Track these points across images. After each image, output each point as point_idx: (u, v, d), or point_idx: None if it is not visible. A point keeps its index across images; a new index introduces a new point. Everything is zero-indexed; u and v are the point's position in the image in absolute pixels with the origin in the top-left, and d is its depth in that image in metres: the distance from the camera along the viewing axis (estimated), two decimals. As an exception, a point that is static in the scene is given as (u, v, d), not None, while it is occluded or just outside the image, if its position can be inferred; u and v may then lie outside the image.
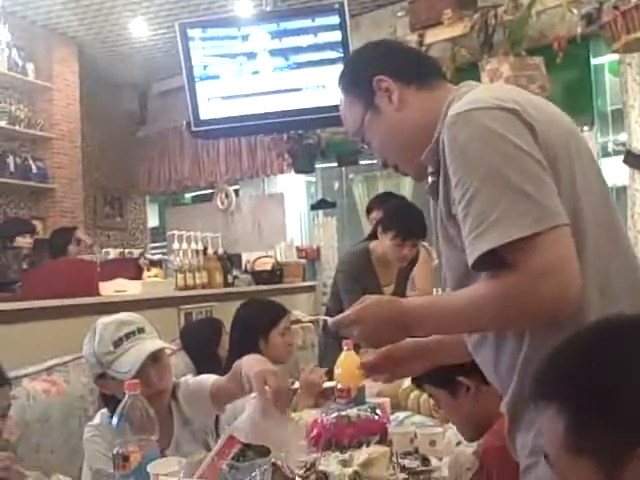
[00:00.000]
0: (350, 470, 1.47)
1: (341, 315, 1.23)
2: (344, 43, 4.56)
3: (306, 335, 4.30)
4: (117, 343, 1.71)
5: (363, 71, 1.30)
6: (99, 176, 6.98)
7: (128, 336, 1.72)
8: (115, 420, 1.37)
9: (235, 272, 4.80)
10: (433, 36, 4.46)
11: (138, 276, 4.11)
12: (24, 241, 4.41)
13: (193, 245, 4.24)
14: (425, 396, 2.17)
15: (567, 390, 0.82)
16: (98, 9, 5.57)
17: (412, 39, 4.46)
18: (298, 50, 4.71)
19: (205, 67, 4.83)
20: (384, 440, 1.71)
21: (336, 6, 4.57)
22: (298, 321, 4.14)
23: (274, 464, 1.30)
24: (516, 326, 1.09)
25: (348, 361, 1.58)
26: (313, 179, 6.68)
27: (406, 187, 5.83)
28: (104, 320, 1.77)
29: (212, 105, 4.85)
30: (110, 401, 1.73)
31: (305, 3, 5.35)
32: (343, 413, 1.81)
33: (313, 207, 6.28)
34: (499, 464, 1.29)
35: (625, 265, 1.13)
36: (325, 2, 4.77)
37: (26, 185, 5.83)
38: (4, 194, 5.86)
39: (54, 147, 6.03)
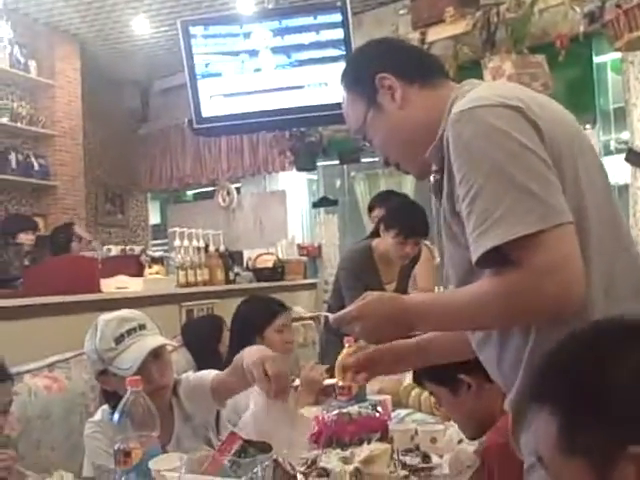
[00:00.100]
0: (351, 467, 1.47)
1: (343, 311, 1.23)
2: (346, 41, 4.56)
3: (307, 332, 4.30)
4: (118, 340, 1.71)
5: (366, 69, 1.29)
6: (101, 173, 6.99)
7: (129, 333, 1.72)
8: (117, 416, 1.37)
9: (236, 269, 4.80)
10: (435, 34, 4.46)
11: (139, 273, 4.11)
12: (26, 238, 4.41)
13: (194, 242, 4.24)
14: (426, 394, 2.17)
15: (559, 391, 0.83)
16: (100, 6, 5.57)
17: (414, 37, 4.46)
18: (300, 48, 4.71)
19: (207, 65, 4.83)
20: (385, 437, 1.70)
21: (338, 4, 4.57)
22: (299, 318, 4.14)
23: (275, 460, 1.30)
24: (519, 323, 1.09)
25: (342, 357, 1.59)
26: (315, 177, 6.67)
27: (408, 185, 5.83)
28: (105, 317, 1.77)
29: (214, 102, 4.85)
30: (111, 397, 1.73)
31: (307, 0, 5.34)
32: (344, 410, 1.81)
33: (315, 205, 6.27)
34: (501, 461, 1.29)
35: (630, 264, 1.12)
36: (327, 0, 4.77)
37: (28, 182, 5.84)
38: (6, 191, 5.87)
39: (56, 144, 6.03)
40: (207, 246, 4.41)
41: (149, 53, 6.55)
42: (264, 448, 1.37)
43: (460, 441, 1.68)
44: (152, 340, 1.74)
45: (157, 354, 1.74)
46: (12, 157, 5.68)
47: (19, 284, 3.29)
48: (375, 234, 3.24)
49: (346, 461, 1.51)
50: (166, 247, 6.54)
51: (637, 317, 0.89)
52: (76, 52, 6.27)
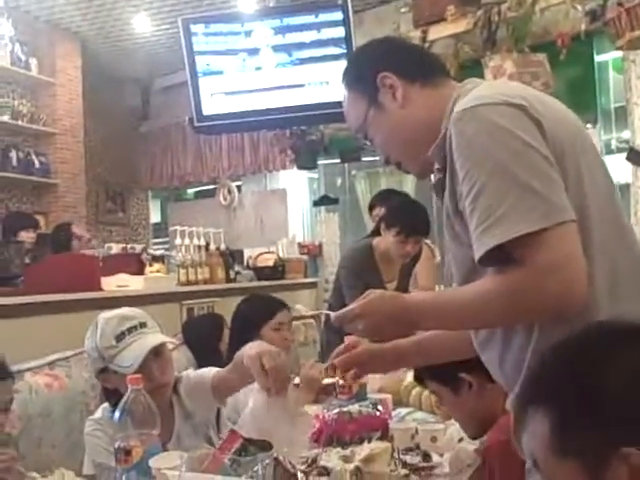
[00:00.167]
0: (351, 466, 1.47)
1: (345, 309, 1.23)
2: (347, 39, 4.55)
3: (307, 331, 4.30)
4: (119, 337, 1.71)
5: (367, 68, 1.29)
6: (101, 171, 6.99)
7: (130, 330, 1.72)
8: (117, 414, 1.37)
9: (237, 268, 4.80)
10: (436, 32, 4.45)
11: (140, 271, 4.11)
12: (27, 235, 4.41)
13: (195, 241, 4.24)
14: (427, 392, 2.17)
15: (552, 393, 0.83)
16: (101, 4, 5.57)
17: (415, 35, 4.45)
18: (301, 46, 4.70)
19: (208, 63, 4.83)
20: (385, 436, 1.70)
21: (339, 2, 4.56)
22: (300, 317, 4.14)
23: (276, 459, 1.30)
24: (522, 322, 1.09)
25: None
26: (316, 175, 6.67)
27: (408, 184, 5.83)
28: (106, 315, 1.77)
29: (215, 101, 4.84)
30: (112, 395, 1.73)
31: (308, -1, 5.34)
32: (345, 409, 1.81)
33: (315, 203, 6.27)
34: (502, 459, 1.28)
35: (633, 263, 1.12)
36: (328, -2, 4.77)
37: (29, 180, 5.84)
38: (7, 189, 5.87)
39: (57, 142, 6.03)
40: (208, 244, 4.41)
41: (150, 51, 6.55)
42: (264, 446, 1.36)
43: (460, 440, 1.68)
44: (153, 338, 1.74)
45: (158, 352, 1.74)
46: (13, 155, 5.68)
47: (20, 282, 3.29)
48: (376, 233, 3.24)
49: (346, 460, 1.51)
50: (167, 245, 6.54)
51: (630, 319, 0.89)
52: (77, 50, 6.27)
